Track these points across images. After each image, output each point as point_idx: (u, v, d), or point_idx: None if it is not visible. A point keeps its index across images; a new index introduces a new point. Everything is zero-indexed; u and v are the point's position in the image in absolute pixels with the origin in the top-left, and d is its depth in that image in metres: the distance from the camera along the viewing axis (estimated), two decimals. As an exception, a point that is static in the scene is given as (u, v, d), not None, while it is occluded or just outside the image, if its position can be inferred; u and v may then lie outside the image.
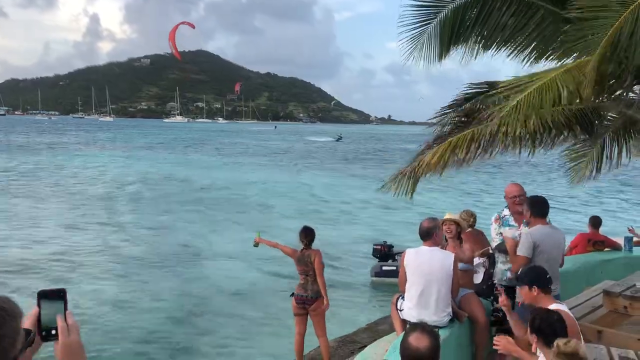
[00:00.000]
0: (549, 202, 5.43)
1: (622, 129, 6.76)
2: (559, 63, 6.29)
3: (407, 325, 4.75)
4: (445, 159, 6.11)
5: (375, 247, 13.04)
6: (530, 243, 5.08)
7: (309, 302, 6.80)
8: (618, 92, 5.85)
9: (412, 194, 6.36)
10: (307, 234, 6.89)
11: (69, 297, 1.45)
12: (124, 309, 10.51)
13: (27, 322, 1.41)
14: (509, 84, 5.58)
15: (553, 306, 3.93)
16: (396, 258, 12.65)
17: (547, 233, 5.19)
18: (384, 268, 12.49)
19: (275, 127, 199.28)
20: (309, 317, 6.94)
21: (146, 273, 13.16)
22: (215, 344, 8.95)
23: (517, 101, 4.95)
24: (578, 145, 7.58)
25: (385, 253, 12.84)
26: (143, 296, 11.40)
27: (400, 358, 2.95)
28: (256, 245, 7.44)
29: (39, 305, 1.42)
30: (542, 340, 3.43)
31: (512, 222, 5.83)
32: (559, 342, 3.05)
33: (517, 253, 5.16)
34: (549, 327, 3.41)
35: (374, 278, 12.69)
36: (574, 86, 4.90)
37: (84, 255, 14.62)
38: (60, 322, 1.40)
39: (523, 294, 4.12)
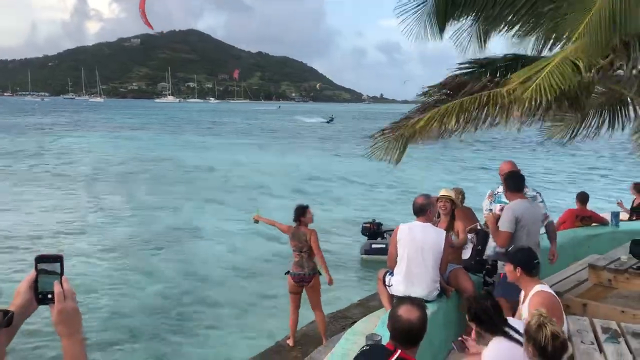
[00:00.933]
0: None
1: (607, 104, 6.82)
2: (550, 42, 6.33)
3: (395, 300, 4.84)
4: (432, 125, 6.10)
5: (364, 225, 13.07)
6: (512, 217, 5.16)
7: (307, 280, 6.88)
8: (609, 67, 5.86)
9: (398, 161, 6.35)
10: (295, 211, 6.97)
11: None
12: (116, 289, 10.55)
13: (23, 284, 1.45)
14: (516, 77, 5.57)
15: (536, 287, 3.99)
16: (385, 236, 12.74)
17: (527, 206, 5.30)
18: (374, 246, 12.55)
19: (279, 107, 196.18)
20: (303, 293, 7.04)
21: (138, 253, 13.19)
22: (209, 322, 9.03)
23: (542, 77, 4.94)
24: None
25: (375, 231, 12.88)
26: (135, 276, 11.44)
27: (389, 331, 3.01)
28: (256, 222, 7.49)
29: (36, 269, 1.45)
30: (481, 327, 3.51)
31: (504, 199, 5.90)
32: (531, 324, 3.01)
33: (500, 228, 5.23)
34: (484, 314, 3.46)
35: (364, 256, 12.73)
36: (588, 60, 4.93)
37: (73, 236, 14.60)
38: (56, 288, 1.42)
39: (507, 271, 4.19)
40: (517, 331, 3.44)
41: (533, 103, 4.78)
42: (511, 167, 6.01)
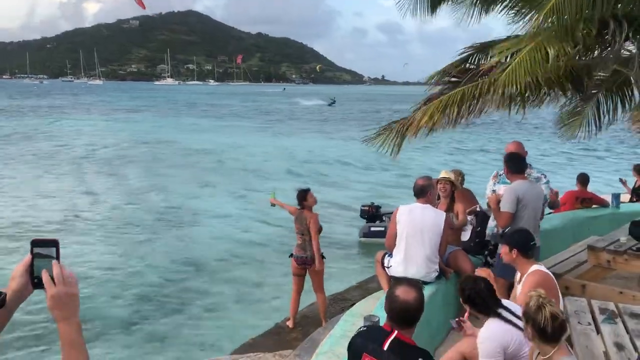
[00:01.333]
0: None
1: (615, 86, 6.76)
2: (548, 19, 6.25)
3: (392, 281, 4.85)
4: (435, 119, 6.13)
5: (363, 208, 13.00)
6: (513, 198, 5.14)
7: (309, 263, 6.92)
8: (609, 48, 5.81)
9: (397, 153, 6.39)
10: (297, 195, 7.02)
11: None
12: (113, 272, 10.54)
13: (19, 268, 1.45)
14: (500, 49, 5.55)
15: (533, 267, 4.00)
16: (384, 219, 12.68)
17: (528, 187, 5.27)
18: (372, 229, 12.49)
19: (284, 89, 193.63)
20: (306, 276, 7.09)
21: (134, 236, 13.17)
22: (208, 305, 9.06)
23: (512, 65, 4.93)
24: (572, 105, 7.59)
25: (373, 214, 12.82)
26: (132, 259, 11.42)
27: (385, 312, 3.01)
28: (273, 205, 7.58)
29: (32, 253, 1.44)
30: (475, 309, 3.53)
31: (508, 180, 5.87)
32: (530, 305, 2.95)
33: (502, 209, 5.21)
34: (477, 296, 3.49)
35: (362, 239, 12.68)
36: (560, 46, 4.88)
37: (67, 220, 14.54)
38: (44, 275, 1.41)
39: (503, 252, 4.20)
40: (511, 312, 3.45)
41: (506, 90, 4.78)
42: (516, 147, 5.95)
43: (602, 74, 6.70)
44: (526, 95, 6.36)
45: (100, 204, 16.39)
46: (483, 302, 3.46)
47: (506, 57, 5.66)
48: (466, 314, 3.64)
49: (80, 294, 1.45)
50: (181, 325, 8.24)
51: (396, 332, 2.85)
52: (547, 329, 2.82)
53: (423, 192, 5.15)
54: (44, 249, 1.46)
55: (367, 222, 12.80)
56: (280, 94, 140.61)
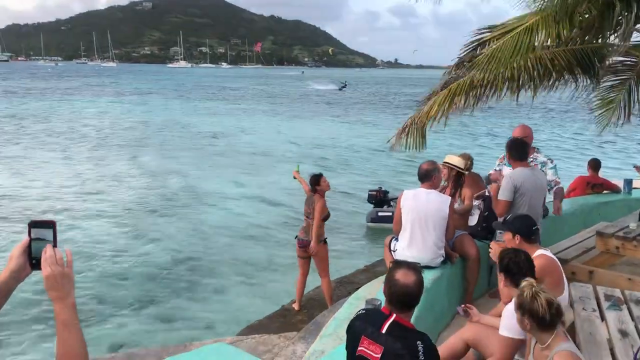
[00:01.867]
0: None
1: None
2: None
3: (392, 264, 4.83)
4: (445, 108, 6.08)
5: (370, 192, 12.92)
6: (511, 186, 5.07)
7: (306, 246, 6.92)
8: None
9: (422, 146, 6.38)
10: (309, 180, 7.04)
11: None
12: (121, 254, 10.60)
13: (17, 249, 1.49)
14: (499, 28, 5.46)
15: (538, 252, 3.95)
16: (391, 204, 12.58)
17: (528, 175, 5.15)
18: (380, 214, 12.41)
19: (303, 72, 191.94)
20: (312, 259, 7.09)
21: (142, 218, 13.23)
22: (214, 286, 9.10)
23: (493, 49, 4.82)
24: (604, 93, 7.42)
25: (381, 199, 12.73)
26: (140, 240, 11.50)
27: (385, 295, 3.00)
28: (294, 177, 7.68)
29: (29, 234, 1.48)
30: (510, 279, 3.49)
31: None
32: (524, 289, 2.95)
33: (499, 197, 5.15)
34: (516, 266, 3.44)
35: (370, 224, 12.60)
36: (552, 29, 4.75)
37: (76, 201, 14.64)
38: (43, 255, 1.44)
39: (506, 239, 4.16)
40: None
41: (495, 76, 4.69)
42: (522, 132, 5.86)
43: (633, 58, 6.54)
44: (533, 80, 6.22)
45: (109, 186, 16.48)
46: (520, 272, 3.40)
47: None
48: (501, 283, 3.59)
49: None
50: (188, 306, 8.31)
51: (394, 315, 2.84)
52: (546, 316, 2.82)
53: (427, 176, 5.09)
54: (42, 230, 1.49)
55: (374, 207, 12.74)
56: (299, 77, 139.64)
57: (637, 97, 7.09)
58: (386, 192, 12.90)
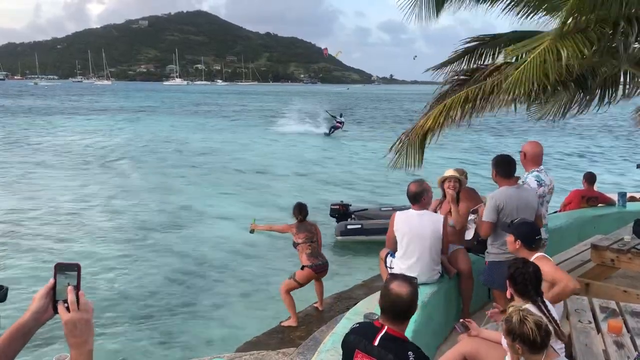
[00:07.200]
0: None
1: (611, 79, 6.73)
2: (553, 17, 6.22)
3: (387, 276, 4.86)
4: (440, 122, 6.12)
5: (332, 207, 12.63)
6: (493, 206, 4.94)
7: (326, 268, 7.28)
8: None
9: (421, 163, 6.40)
10: (302, 209, 7.23)
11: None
12: (121, 270, 10.62)
13: (41, 291, 1.47)
14: (514, 49, 5.50)
15: (535, 255, 4.02)
16: (353, 217, 12.41)
17: (511, 194, 4.95)
18: (349, 227, 12.10)
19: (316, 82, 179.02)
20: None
21: (142, 235, 13.21)
22: (213, 303, 9.08)
23: (523, 66, 4.86)
24: None
25: (344, 212, 12.52)
26: (140, 258, 11.48)
27: (379, 307, 3.03)
28: (252, 231, 7.77)
29: (55, 277, 1.46)
30: (514, 288, 3.52)
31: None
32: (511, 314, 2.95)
33: (483, 218, 5.04)
34: (521, 276, 3.46)
35: (340, 237, 12.10)
36: (574, 47, 4.81)
37: (77, 218, 14.61)
38: (60, 306, 1.43)
39: (508, 241, 4.24)
40: (547, 308, 3.42)
41: (517, 91, 4.74)
42: (533, 147, 5.50)
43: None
44: (533, 95, 6.31)
45: (106, 204, 16.47)
46: (524, 284, 3.43)
47: (516, 57, 5.63)
48: (507, 293, 3.62)
49: (86, 291, 1.48)
50: (187, 322, 8.30)
51: (386, 327, 2.88)
52: (537, 339, 2.83)
53: (416, 198, 5.05)
54: (67, 273, 1.47)
55: (337, 221, 12.44)
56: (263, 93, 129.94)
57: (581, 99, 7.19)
58: (348, 206, 12.73)
